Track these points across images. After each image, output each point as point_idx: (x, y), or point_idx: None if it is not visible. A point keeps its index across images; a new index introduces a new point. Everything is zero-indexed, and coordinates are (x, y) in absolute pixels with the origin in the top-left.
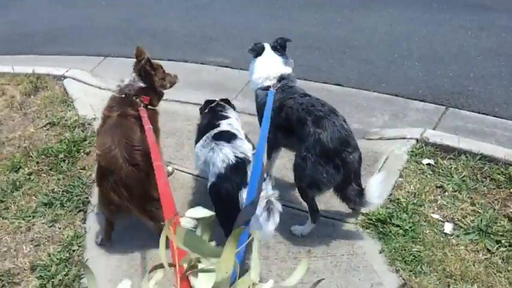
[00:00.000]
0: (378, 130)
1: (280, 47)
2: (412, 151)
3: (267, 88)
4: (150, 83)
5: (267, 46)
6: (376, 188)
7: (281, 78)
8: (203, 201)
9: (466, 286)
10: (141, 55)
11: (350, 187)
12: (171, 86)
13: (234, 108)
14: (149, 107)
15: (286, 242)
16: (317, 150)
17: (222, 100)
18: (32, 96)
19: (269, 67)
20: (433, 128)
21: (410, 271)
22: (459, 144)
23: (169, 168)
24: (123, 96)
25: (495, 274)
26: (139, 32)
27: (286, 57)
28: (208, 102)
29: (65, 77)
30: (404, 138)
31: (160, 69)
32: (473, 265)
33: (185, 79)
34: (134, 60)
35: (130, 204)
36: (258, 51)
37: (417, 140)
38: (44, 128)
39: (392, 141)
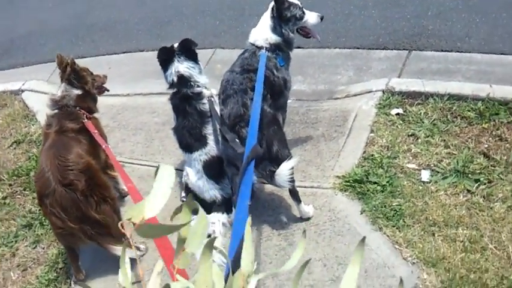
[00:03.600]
0: (344, 87)
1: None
2: (379, 103)
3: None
4: (85, 87)
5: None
6: (286, 173)
7: None
8: (178, 194)
9: (450, 231)
10: (63, 62)
11: (261, 165)
12: (102, 88)
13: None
14: (89, 116)
15: (269, 220)
16: (222, 127)
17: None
18: None
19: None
20: (399, 75)
21: (393, 226)
22: (425, 88)
23: (126, 188)
24: (60, 109)
25: (478, 214)
26: (90, 28)
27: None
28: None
29: (22, 91)
30: (370, 91)
31: (88, 71)
32: (455, 209)
33: (144, 69)
34: (58, 70)
35: (71, 226)
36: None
37: (383, 91)
38: (11, 148)
39: (359, 97)
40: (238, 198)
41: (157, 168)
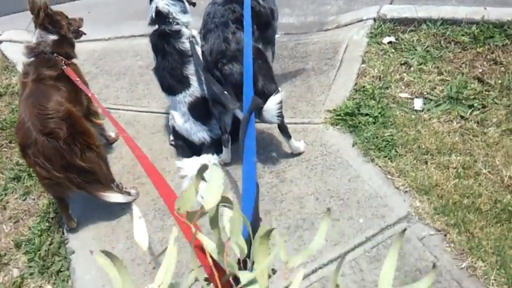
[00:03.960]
0: (334, 18)
1: None
2: (370, 32)
3: None
4: (60, 31)
5: None
6: (273, 108)
7: None
8: (167, 137)
9: (443, 158)
10: (36, 7)
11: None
12: (79, 32)
13: None
14: (68, 62)
15: (259, 157)
16: (204, 64)
17: None
18: None
19: None
20: (391, 1)
21: (385, 157)
22: (417, 14)
23: (112, 134)
24: (37, 57)
25: (471, 140)
26: None
27: None
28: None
29: (0, 42)
30: (361, 20)
31: (63, 15)
32: (448, 136)
33: (124, 11)
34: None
35: (57, 175)
36: None
37: (374, 19)
38: None
39: (350, 27)
40: (244, 152)
41: (202, 167)
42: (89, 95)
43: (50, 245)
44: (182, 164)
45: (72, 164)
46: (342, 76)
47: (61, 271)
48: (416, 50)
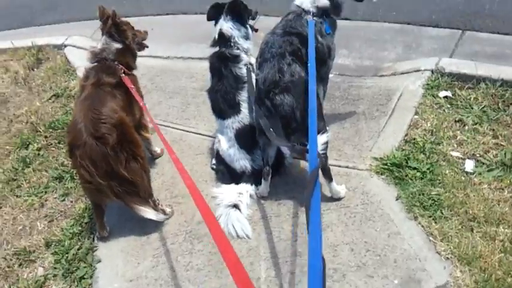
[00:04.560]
0: (391, 64)
1: None
2: (427, 84)
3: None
4: (125, 41)
5: None
6: (319, 148)
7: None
8: (210, 160)
9: (490, 229)
10: (105, 14)
11: (293, 137)
12: (142, 45)
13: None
14: (128, 72)
15: (298, 196)
16: (256, 92)
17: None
18: (35, 70)
19: None
20: (450, 55)
21: (430, 217)
22: (477, 71)
23: (157, 149)
24: (99, 62)
25: None
26: None
27: None
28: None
29: (65, 46)
30: (418, 70)
31: (129, 25)
32: (498, 204)
33: (185, 33)
34: (100, 22)
35: (99, 181)
36: None
37: (432, 71)
38: (50, 101)
39: (406, 76)
40: (310, 224)
41: None
42: (141, 104)
43: (78, 249)
44: (219, 192)
45: (115, 172)
46: (392, 124)
47: (84, 278)
48: (472, 108)
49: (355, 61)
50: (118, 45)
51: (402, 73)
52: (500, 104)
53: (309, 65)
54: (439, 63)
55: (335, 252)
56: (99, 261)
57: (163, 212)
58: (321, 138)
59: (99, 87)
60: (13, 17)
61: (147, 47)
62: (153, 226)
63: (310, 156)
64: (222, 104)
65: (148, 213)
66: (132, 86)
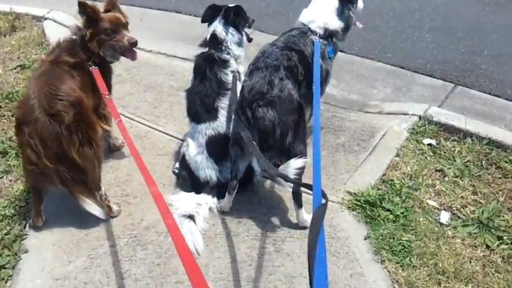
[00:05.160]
0: (378, 103)
1: None
2: (413, 128)
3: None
4: (97, 25)
5: None
6: (292, 172)
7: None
8: (172, 163)
9: (458, 286)
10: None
11: (267, 154)
12: (115, 51)
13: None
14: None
15: (261, 218)
16: (239, 99)
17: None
18: (6, 36)
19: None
20: (439, 105)
21: (397, 263)
22: (466, 126)
23: (118, 141)
24: (71, 39)
25: (493, 274)
26: None
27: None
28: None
29: (45, 19)
30: (406, 114)
31: (105, 24)
32: (470, 262)
33: (174, 31)
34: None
35: (46, 163)
36: None
37: (420, 117)
38: (14, 71)
39: (393, 116)
40: (316, 264)
41: None
42: (105, 96)
43: (5, 234)
44: (176, 198)
45: (66, 155)
46: (371, 162)
47: (5, 267)
48: (455, 161)
49: (342, 93)
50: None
51: (389, 113)
52: (483, 162)
53: (313, 88)
54: (428, 110)
55: (291, 284)
56: (26, 251)
57: (110, 210)
58: (297, 163)
59: (57, 64)
60: None
61: (117, 60)
62: (94, 223)
63: (314, 193)
64: (199, 107)
65: (92, 207)
66: (101, 80)
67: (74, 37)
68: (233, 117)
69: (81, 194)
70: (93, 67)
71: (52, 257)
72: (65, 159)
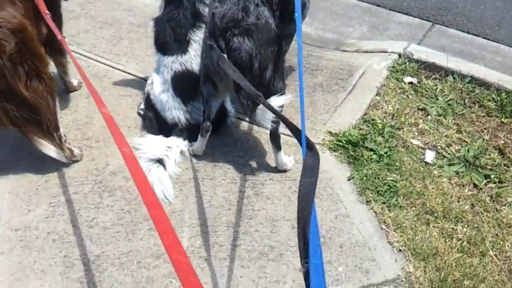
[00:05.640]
0: (355, 41)
1: None
2: (393, 67)
3: None
4: None
5: None
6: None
7: None
8: (136, 104)
9: (448, 225)
10: None
11: (244, 92)
12: None
13: None
14: None
15: (237, 160)
16: (208, 29)
17: None
18: None
19: None
20: (417, 44)
21: (383, 203)
22: (447, 64)
23: (74, 81)
24: None
25: (482, 214)
26: None
27: None
28: None
29: None
30: (385, 52)
31: None
32: (458, 201)
33: None
34: None
35: None
36: None
37: (399, 54)
38: None
39: (371, 55)
40: (310, 244)
41: None
42: (58, 37)
43: None
44: (143, 142)
45: (12, 90)
46: (351, 101)
47: None
48: (437, 99)
49: (317, 31)
50: None
51: (367, 51)
52: (466, 100)
53: (295, 15)
54: (408, 48)
55: (274, 227)
56: None
57: (71, 153)
58: (278, 100)
59: None
60: None
61: None
62: (54, 169)
63: (302, 145)
64: (169, 37)
65: (50, 149)
66: (46, 12)
67: None
68: (203, 49)
69: (35, 135)
70: None
71: (9, 206)
72: (12, 96)
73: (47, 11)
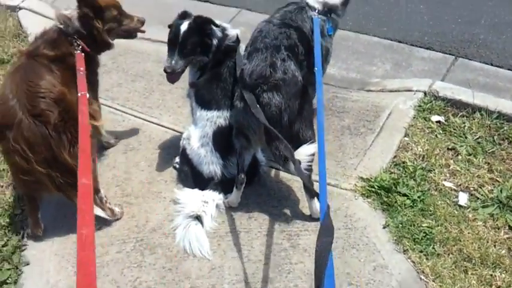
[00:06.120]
0: (379, 80)
1: None
2: (419, 106)
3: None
4: (90, 32)
5: None
6: (304, 159)
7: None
8: (171, 157)
9: (486, 272)
10: None
11: (275, 144)
12: (129, 35)
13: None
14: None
15: (272, 211)
16: (239, 84)
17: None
18: None
19: None
20: (441, 79)
21: (421, 251)
22: (474, 100)
23: (111, 140)
24: (56, 29)
25: None
26: None
27: None
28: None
29: (20, 8)
30: (410, 90)
31: (113, 11)
32: (494, 246)
33: (158, 15)
34: None
35: (38, 169)
36: None
37: (425, 93)
38: None
39: (396, 94)
40: None
41: None
42: (80, 93)
43: (3, 246)
44: (180, 197)
45: (57, 158)
46: (380, 144)
47: (6, 283)
48: (466, 137)
49: (340, 72)
50: (81, 30)
51: (391, 91)
52: (495, 137)
53: (315, 69)
54: (433, 85)
55: (312, 281)
56: (27, 263)
57: (112, 212)
58: (308, 149)
59: (34, 58)
60: None
61: (136, 36)
62: (96, 228)
63: (321, 199)
64: (215, 93)
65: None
66: (82, 68)
67: (61, 26)
68: (235, 103)
69: None
70: (78, 51)
71: (55, 268)
72: (57, 163)
73: (82, 68)
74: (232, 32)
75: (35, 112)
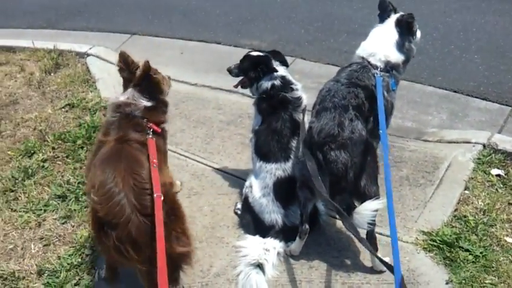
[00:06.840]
0: (436, 131)
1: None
2: (479, 158)
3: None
4: (158, 96)
5: (393, 16)
6: (368, 214)
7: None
8: (232, 202)
9: None
10: (129, 61)
11: (340, 197)
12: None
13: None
14: (158, 129)
15: (333, 261)
16: (306, 142)
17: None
18: (52, 74)
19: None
20: (499, 131)
21: None
22: None
23: (178, 183)
24: (122, 117)
25: None
26: (169, 9)
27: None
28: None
29: (88, 55)
30: (468, 142)
31: (160, 75)
32: None
33: (216, 62)
34: (120, 68)
35: (139, 267)
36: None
37: (484, 145)
38: (63, 110)
39: (455, 145)
40: None
41: None
42: (153, 165)
43: (75, 285)
44: (242, 244)
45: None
46: (440, 196)
47: None
48: None
49: (396, 120)
50: (148, 103)
51: (450, 142)
52: None
53: (380, 132)
54: (492, 138)
55: None
56: None
57: None
58: (373, 205)
59: (126, 142)
60: (37, 16)
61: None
62: None
63: (395, 266)
64: (272, 146)
65: None
66: (153, 148)
67: (136, 113)
68: (301, 158)
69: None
70: (150, 136)
71: None
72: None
73: (155, 160)
74: (298, 85)
75: (146, 211)
